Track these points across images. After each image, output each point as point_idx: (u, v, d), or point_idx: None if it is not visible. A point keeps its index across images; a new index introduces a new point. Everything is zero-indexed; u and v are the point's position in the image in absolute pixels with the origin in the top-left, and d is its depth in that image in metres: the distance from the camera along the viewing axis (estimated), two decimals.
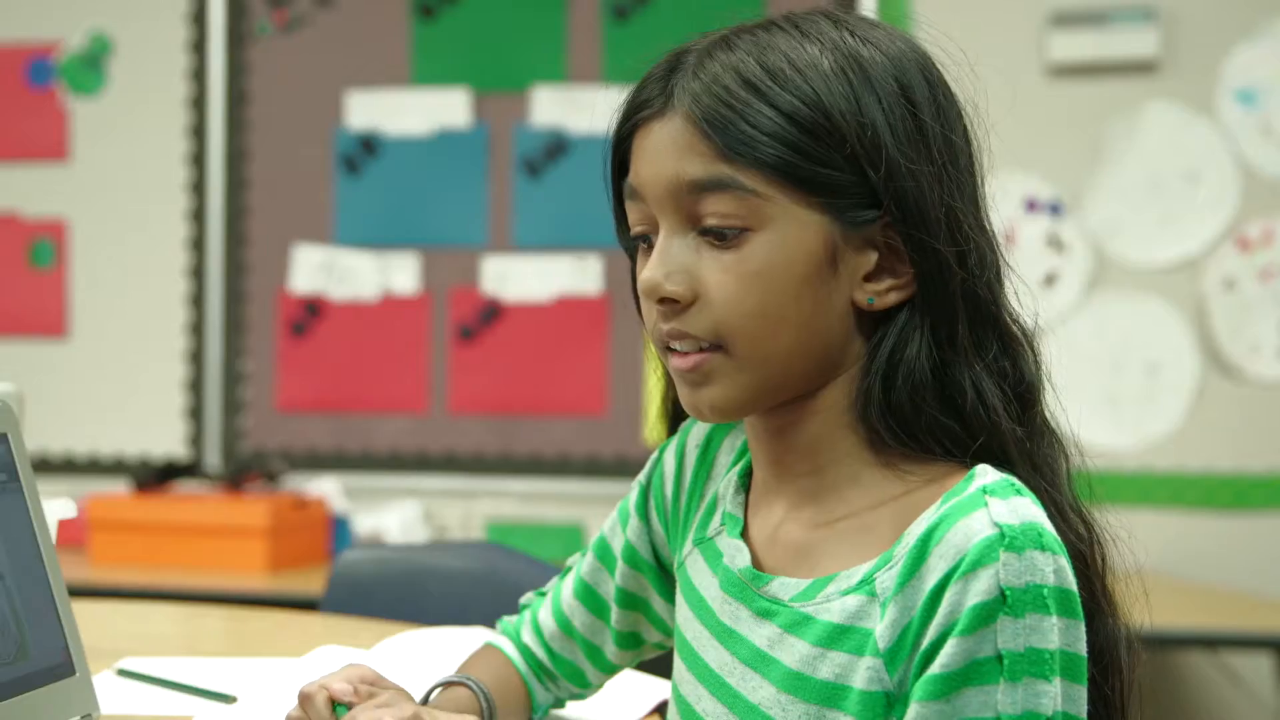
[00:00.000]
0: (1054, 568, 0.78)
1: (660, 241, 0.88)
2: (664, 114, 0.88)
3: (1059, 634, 0.78)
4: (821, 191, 0.85)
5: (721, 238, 0.86)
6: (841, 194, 0.85)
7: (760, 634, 0.90)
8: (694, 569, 1.00)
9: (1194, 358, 3.01)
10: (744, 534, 0.96)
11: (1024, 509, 0.79)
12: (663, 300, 0.88)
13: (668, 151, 0.87)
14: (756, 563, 0.93)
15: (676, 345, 0.89)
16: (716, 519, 0.99)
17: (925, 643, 0.79)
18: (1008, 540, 0.77)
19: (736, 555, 0.94)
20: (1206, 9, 3.01)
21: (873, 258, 0.87)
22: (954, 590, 0.78)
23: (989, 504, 0.79)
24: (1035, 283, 3.00)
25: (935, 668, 0.78)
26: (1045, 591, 0.77)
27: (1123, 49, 3.01)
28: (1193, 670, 2.95)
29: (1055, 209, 3.06)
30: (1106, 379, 3.03)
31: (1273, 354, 2.99)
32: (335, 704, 0.98)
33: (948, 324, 0.85)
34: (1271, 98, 2.99)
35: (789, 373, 0.87)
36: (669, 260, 0.87)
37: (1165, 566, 2.92)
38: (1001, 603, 0.77)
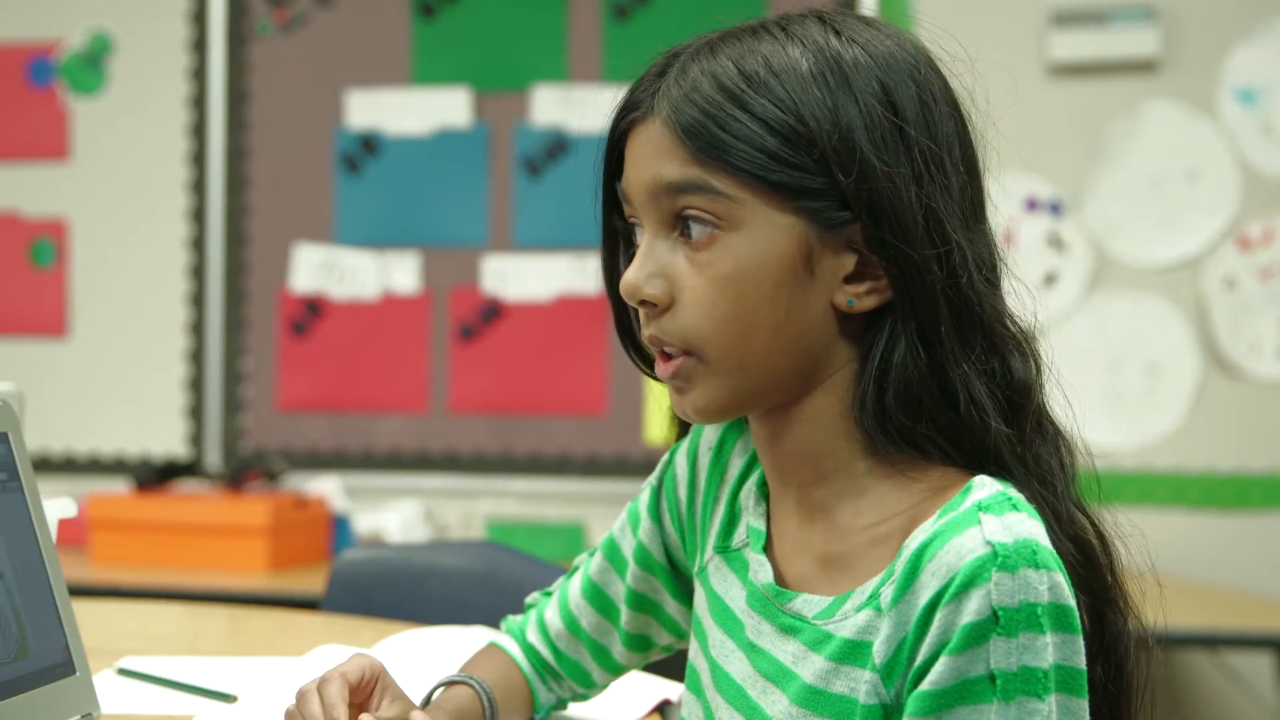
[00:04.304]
0: (1049, 584, 0.77)
1: (643, 244, 0.90)
2: (647, 118, 0.89)
3: (1053, 650, 0.77)
4: (794, 195, 0.85)
5: (692, 231, 0.87)
6: (815, 197, 0.85)
7: (784, 650, 0.90)
8: (718, 578, 1.00)
9: (1194, 357, 3.01)
10: (767, 547, 0.96)
11: (1018, 525, 0.79)
12: (643, 302, 0.89)
13: (649, 154, 0.88)
14: (779, 577, 0.93)
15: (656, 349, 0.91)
16: (741, 530, 0.99)
17: (919, 659, 0.79)
18: (1000, 559, 0.77)
19: (759, 570, 0.94)
20: (1206, 9, 3.01)
21: (851, 260, 0.86)
22: (946, 610, 0.78)
23: (983, 521, 0.79)
24: (1035, 282, 3.03)
25: (926, 684, 0.78)
26: (1039, 609, 0.77)
27: (1123, 49, 3.01)
28: (1193, 670, 2.95)
29: (1055, 208, 3.06)
30: (1106, 379, 3.03)
31: (1273, 353, 2.99)
32: None
33: (931, 325, 0.85)
34: (1271, 97, 2.99)
35: (768, 376, 0.88)
36: (650, 263, 0.89)
37: (1165, 566, 2.90)
38: (994, 623, 0.76)
